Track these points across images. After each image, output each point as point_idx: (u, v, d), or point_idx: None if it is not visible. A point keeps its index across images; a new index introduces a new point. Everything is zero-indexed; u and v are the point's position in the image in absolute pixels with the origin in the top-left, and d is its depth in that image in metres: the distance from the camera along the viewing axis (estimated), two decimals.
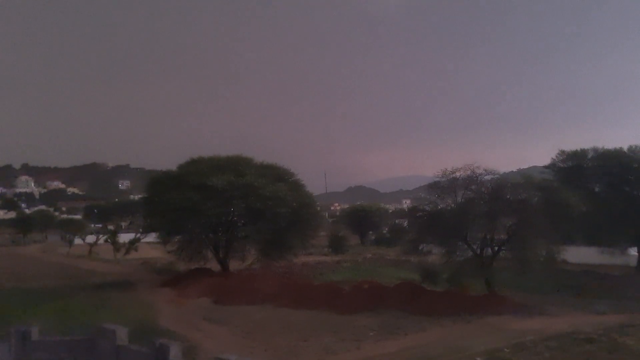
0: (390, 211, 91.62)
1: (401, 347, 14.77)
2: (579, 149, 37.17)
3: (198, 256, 29.74)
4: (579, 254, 35.26)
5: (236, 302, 22.27)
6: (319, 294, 22.54)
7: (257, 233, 28.52)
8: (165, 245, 31.17)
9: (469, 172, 23.25)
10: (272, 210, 27.44)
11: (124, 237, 47.51)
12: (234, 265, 30.41)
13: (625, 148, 35.08)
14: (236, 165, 29.56)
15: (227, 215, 28.38)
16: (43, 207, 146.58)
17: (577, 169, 35.98)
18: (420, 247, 25.15)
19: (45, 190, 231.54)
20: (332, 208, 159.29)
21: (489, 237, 23.35)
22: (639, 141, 60.69)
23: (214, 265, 30.22)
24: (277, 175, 30.59)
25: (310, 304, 21.08)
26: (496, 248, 23.26)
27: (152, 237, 36.27)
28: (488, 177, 23.85)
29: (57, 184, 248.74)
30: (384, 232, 66.89)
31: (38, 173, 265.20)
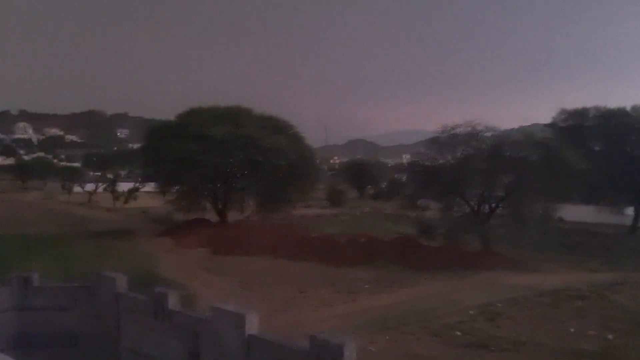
0: (390, 165, 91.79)
1: (396, 300, 15.03)
2: (580, 108, 36.78)
3: (196, 207, 29.81)
4: (576, 212, 35.48)
5: (234, 252, 22.54)
6: (316, 246, 22.78)
7: (256, 185, 28.60)
8: (164, 195, 31.31)
9: (469, 129, 23.12)
10: (271, 162, 27.42)
11: (123, 186, 47.56)
12: (232, 216, 30.61)
13: (628, 107, 34.72)
14: (235, 116, 29.27)
15: (225, 166, 28.31)
16: (41, 154, 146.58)
17: (578, 128, 35.67)
18: (418, 202, 25.32)
19: (44, 137, 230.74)
20: (331, 161, 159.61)
21: (487, 193, 23.45)
22: None
23: (213, 216, 30.41)
24: (277, 127, 30.35)
25: (307, 256, 21.36)
26: (493, 205, 23.40)
27: (151, 187, 36.38)
28: (488, 134, 23.76)
29: (55, 131, 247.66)
30: (383, 186, 67.11)
31: (36, 120, 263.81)
